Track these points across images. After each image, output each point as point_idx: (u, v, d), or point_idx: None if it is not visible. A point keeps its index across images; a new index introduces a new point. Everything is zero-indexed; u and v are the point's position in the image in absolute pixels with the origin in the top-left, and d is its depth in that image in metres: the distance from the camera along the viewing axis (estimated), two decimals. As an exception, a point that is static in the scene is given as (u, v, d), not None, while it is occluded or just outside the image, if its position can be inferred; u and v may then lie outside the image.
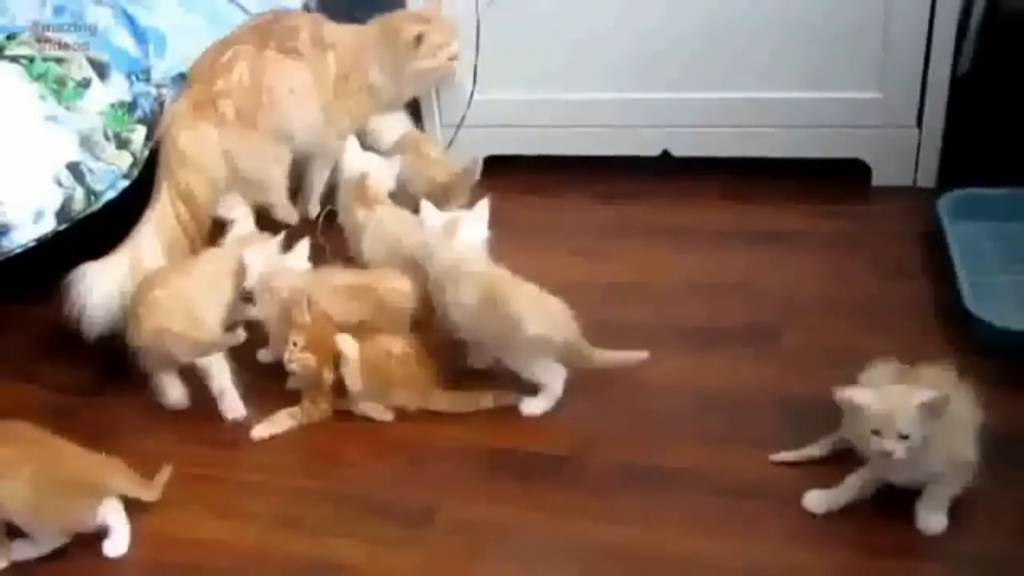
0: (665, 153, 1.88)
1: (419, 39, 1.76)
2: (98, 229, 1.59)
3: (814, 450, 1.22)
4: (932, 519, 1.10)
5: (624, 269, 1.67)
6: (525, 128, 1.94)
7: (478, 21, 1.85)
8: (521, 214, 1.82)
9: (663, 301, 1.57)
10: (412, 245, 1.51)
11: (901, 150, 1.76)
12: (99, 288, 1.47)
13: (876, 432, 1.04)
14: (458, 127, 1.96)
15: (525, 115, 1.93)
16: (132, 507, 1.27)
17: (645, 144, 1.88)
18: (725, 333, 1.47)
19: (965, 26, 1.69)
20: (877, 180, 1.80)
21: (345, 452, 1.34)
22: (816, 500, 1.14)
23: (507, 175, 1.93)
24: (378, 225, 1.59)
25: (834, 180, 1.81)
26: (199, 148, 1.66)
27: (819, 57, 1.73)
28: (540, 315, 1.29)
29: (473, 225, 1.40)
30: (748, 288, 1.57)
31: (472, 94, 1.93)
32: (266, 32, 1.74)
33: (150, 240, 1.58)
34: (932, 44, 1.66)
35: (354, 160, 1.68)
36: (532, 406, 1.34)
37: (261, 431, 1.37)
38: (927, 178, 1.77)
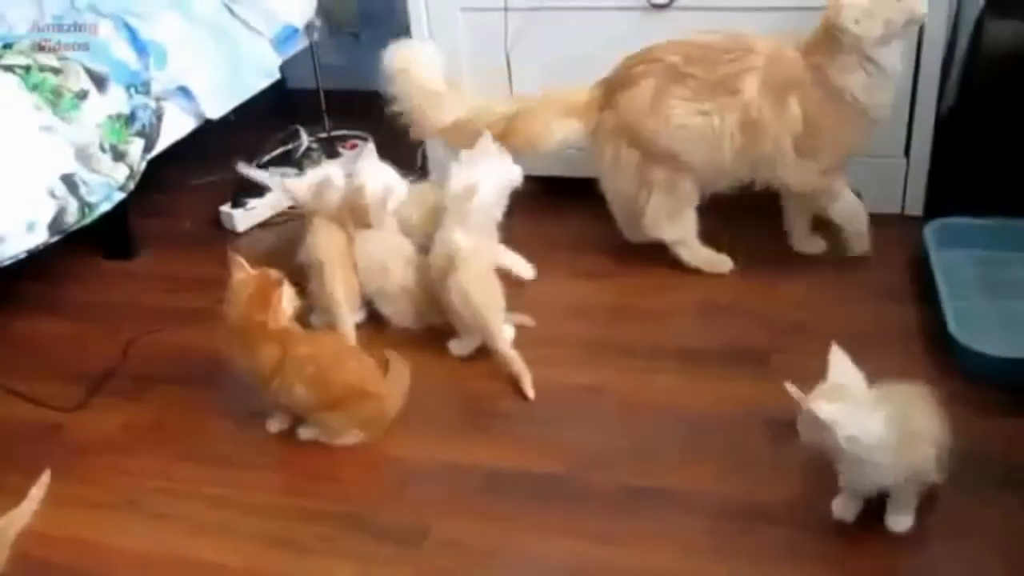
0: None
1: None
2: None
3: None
4: (899, 520, 1.13)
5: (621, 291, 1.68)
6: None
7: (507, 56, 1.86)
8: (525, 235, 1.83)
9: (658, 323, 1.58)
10: (398, 273, 1.56)
11: (889, 179, 1.79)
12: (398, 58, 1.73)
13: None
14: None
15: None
16: (117, 527, 1.26)
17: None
18: (717, 355, 1.48)
19: (950, 62, 1.74)
20: (866, 208, 1.83)
21: (336, 470, 1.33)
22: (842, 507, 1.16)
23: (510, 196, 1.94)
24: (363, 248, 1.59)
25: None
26: None
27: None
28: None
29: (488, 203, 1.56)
30: (739, 310, 1.59)
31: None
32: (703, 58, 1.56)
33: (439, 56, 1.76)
34: (919, 78, 1.69)
35: (367, 173, 1.62)
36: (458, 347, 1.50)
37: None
38: (914, 206, 1.80)
